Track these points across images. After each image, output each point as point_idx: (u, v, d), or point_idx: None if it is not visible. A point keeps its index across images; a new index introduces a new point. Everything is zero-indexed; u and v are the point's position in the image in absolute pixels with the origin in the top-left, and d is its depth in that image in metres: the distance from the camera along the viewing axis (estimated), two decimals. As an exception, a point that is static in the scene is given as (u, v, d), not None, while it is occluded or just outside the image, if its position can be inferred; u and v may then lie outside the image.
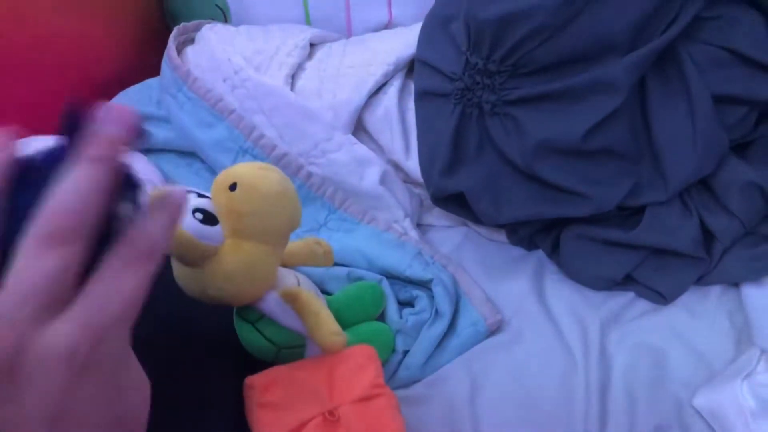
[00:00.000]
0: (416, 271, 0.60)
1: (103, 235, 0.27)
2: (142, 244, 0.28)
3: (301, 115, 0.66)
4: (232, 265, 0.44)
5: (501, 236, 0.67)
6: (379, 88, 0.68)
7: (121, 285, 0.27)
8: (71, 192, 0.26)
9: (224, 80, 0.68)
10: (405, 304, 0.61)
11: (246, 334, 0.49)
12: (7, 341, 0.24)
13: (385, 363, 0.56)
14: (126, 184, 0.29)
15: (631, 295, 0.60)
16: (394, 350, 0.57)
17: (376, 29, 0.78)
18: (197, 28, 0.76)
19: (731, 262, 0.58)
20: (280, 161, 0.64)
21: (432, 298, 0.59)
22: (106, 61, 0.76)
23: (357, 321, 0.56)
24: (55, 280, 0.25)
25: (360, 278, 0.60)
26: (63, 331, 0.25)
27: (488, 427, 0.53)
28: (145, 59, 0.78)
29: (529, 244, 0.65)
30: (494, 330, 0.59)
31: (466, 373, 0.56)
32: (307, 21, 0.79)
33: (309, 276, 0.57)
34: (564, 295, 0.60)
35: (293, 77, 0.70)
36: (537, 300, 0.60)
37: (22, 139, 0.28)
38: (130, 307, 0.27)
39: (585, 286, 0.61)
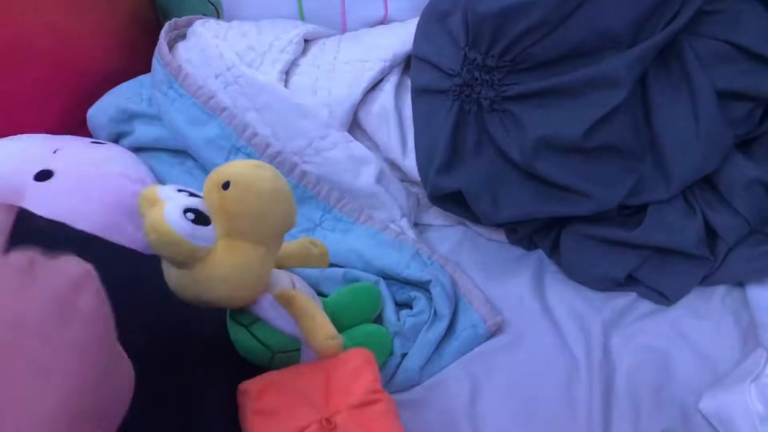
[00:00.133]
0: (414, 271, 0.59)
1: None
2: None
3: (295, 113, 0.64)
4: (225, 267, 0.42)
5: (500, 236, 0.65)
6: (375, 85, 0.67)
7: None
8: None
9: (216, 77, 0.66)
10: (403, 305, 0.60)
11: (240, 337, 0.48)
12: None
13: (382, 366, 0.54)
14: None
15: (633, 295, 0.59)
16: (391, 353, 0.55)
17: (372, 24, 0.77)
18: (189, 24, 0.74)
19: (736, 262, 0.57)
20: (274, 160, 0.63)
21: (430, 299, 0.58)
22: (96, 57, 0.74)
23: (353, 323, 0.55)
24: None
25: (356, 279, 0.59)
26: None
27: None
28: (136, 55, 0.76)
29: (529, 244, 0.64)
30: (494, 332, 0.57)
31: (466, 377, 0.54)
32: (301, 16, 0.77)
33: (304, 277, 0.56)
34: (565, 296, 0.59)
35: (287, 74, 0.68)
36: (537, 301, 0.59)
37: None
38: None
39: (586, 287, 0.60)
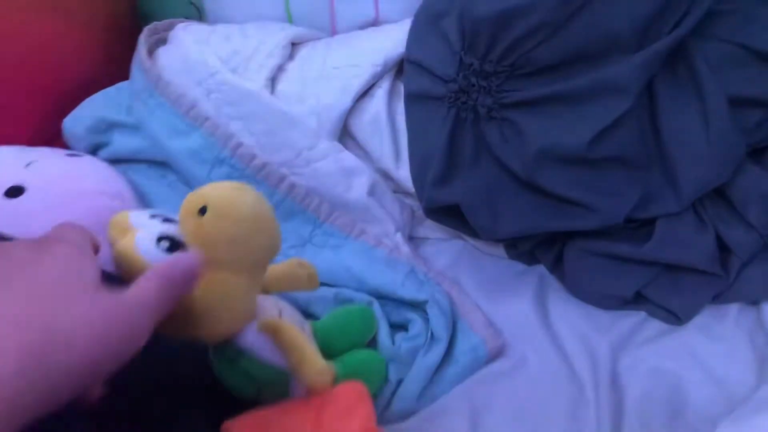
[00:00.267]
0: (409, 290, 0.55)
1: None
2: None
3: (283, 122, 0.61)
4: (204, 299, 0.39)
5: (499, 250, 0.62)
6: (367, 91, 0.64)
7: None
8: None
9: (198, 84, 0.63)
10: (398, 326, 0.56)
11: (223, 371, 0.44)
12: None
13: (377, 395, 0.51)
14: None
15: (642, 315, 0.56)
16: (387, 380, 0.52)
17: (363, 26, 0.74)
18: (170, 27, 0.71)
19: (750, 279, 0.54)
20: (260, 172, 0.60)
21: (427, 320, 0.55)
22: (72, 63, 0.70)
23: (346, 348, 0.51)
24: None
25: (348, 300, 0.56)
26: None
27: (491, 464, 0.48)
28: (115, 61, 0.73)
29: (530, 259, 0.61)
30: (495, 355, 0.54)
31: (466, 405, 0.51)
32: (288, 18, 0.74)
33: (293, 298, 0.53)
34: (569, 316, 0.56)
35: (273, 80, 0.65)
36: (540, 321, 0.56)
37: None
38: None
39: (592, 305, 0.57)
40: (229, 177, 0.60)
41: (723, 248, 0.55)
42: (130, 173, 0.64)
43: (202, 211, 0.39)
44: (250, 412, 0.42)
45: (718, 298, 0.55)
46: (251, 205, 0.40)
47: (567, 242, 0.57)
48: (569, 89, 0.51)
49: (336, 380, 0.44)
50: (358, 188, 0.60)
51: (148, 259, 0.37)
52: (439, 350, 0.53)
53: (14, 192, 0.55)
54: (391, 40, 0.65)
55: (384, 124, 0.62)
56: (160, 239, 0.38)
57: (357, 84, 0.62)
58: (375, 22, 0.74)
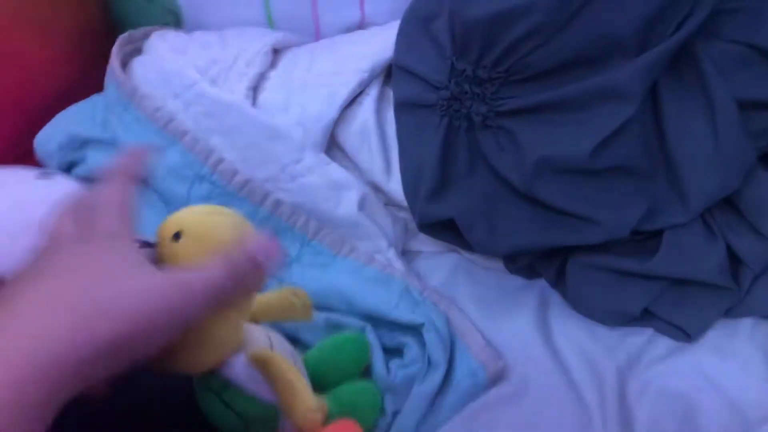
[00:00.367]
0: (404, 312, 0.53)
1: None
2: None
3: (266, 134, 0.58)
4: (184, 331, 0.36)
5: (497, 263, 0.59)
6: (354, 99, 0.61)
7: None
8: None
9: (176, 96, 0.60)
10: (392, 350, 0.53)
11: (209, 405, 0.41)
12: None
13: (372, 429, 0.48)
14: None
15: (649, 332, 0.53)
16: (382, 412, 0.49)
17: (348, 30, 0.71)
18: (145, 36, 0.67)
19: (763, 291, 0.52)
20: (243, 189, 0.57)
21: (423, 343, 0.52)
22: (42, 76, 0.67)
23: (339, 380, 0.48)
24: None
25: (339, 325, 0.53)
26: None
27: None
28: (90, 73, 0.69)
29: (530, 273, 0.58)
30: (495, 380, 0.51)
31: (467, 434, 0.48)
32: (270, 22, 0.71)
33: (280, 325, 0.50)
34: (573, 334, 0.53)
35: (255, 89, 0.62)
36: (542, 340, 0.53)
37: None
38: None
39: (596, 322, 0.54)
40: (209, 194, 0.57)
41: (734, 260, 0.52)
42: (106, 192, 0.61)
43: (177, 236, 0.37)
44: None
45: (730, 312, 0.53)
46: (228, 231, 0.38)
47: (569, 256, 0.55)
48: (569, 95, 0.49)
49: (328, 418, 0.42)
50: (347, 203, 0.57)
51: None
52: (437, 378, 0.50)
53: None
54: (379, 44, 0.62)
55: (373, 134, 0.59)
56: None
57: (344, 92, 0.59)
58: (361, 25, 0.71)
